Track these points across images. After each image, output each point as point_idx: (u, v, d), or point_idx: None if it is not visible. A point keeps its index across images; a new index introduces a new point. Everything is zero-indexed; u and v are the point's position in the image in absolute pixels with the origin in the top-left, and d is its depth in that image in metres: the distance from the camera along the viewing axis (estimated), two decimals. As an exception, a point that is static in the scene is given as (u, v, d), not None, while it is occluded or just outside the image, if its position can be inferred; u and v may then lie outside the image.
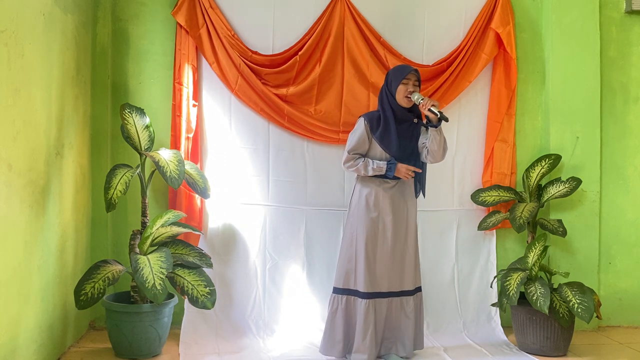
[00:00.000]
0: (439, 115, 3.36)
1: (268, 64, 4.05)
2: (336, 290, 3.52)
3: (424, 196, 3.62)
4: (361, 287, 3.44)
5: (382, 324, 3.49)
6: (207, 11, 4.00)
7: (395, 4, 4.20)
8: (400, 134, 3.46)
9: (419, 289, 3.60)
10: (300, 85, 4.06)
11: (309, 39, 4.05)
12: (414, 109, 3.53)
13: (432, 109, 3.36)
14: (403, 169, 3.44)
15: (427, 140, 3.47)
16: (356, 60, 4.09)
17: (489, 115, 4.28)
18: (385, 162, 3.43)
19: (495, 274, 4.13)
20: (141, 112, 3.82)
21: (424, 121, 3.49)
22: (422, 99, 3.40)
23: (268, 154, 4.12)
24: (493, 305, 4.07)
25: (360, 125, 3.50)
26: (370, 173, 3.45)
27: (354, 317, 3.46)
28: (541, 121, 4.39)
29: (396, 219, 3.49)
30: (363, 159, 3.47)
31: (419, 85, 3.51)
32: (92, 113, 4.00)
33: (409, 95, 3.44)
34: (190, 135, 4.01)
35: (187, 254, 3.71)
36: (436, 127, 3.41)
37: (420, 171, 3.53)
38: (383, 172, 3.44)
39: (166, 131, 4.08)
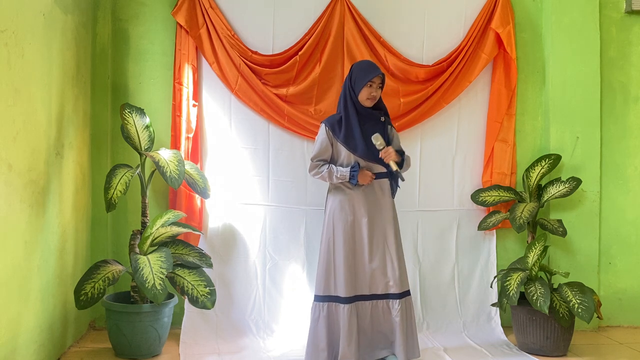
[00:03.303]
0: (395, 172, 3.39)
1: (268, 64, 4.05)
2: (317, 298, 3.45)
3: (393, 197, 3.57)
4: (342, 293, 3.38)
5: (369, 327, 3.45)
6: (207, 11, 4.00)
7: (395, 4, 4.20)
8: (365, 133, 3.41)
9: (407, 293, 3.51)
10: (300, 85, 4.06)
11: (309, 39, 4.05)
12: (380, 106, 3.50)
13: (390, 163, 3.37)
14: (368, 177, 3.41)
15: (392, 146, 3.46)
16: (356, 60, 4.08)
17: (489, 115, 4.28)
18: (348, 170, 3.39)
19: (495, 274, 4.13)
20: (141, 112, 3.82)
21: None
22: (382, 148, 3.37)
23: (268, 154, 4.13)
24: (493, 305, 4.07)
25: (322, 131, 3.44)
26: (335, 181, 3.41)
27: (336, 323, 3.40)
28: (541, 121, 4.39)
29: (373, 220, 3.45)
30: (327, 166, 3.42)
31: (382, 87, 3.47)
32: (92, 113, 4.00)
33: (370, 98, 3.40)
34: (190, 135, 4.02)
35: (187, 254, 3.71)
36: (393, 174, 3.44)
37: (375, 177, 3.47)
38: (347, 180, 3.40)
39: (166, 131, 4.08)
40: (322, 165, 3.44)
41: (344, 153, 3.43)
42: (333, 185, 3.49)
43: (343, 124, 3.42)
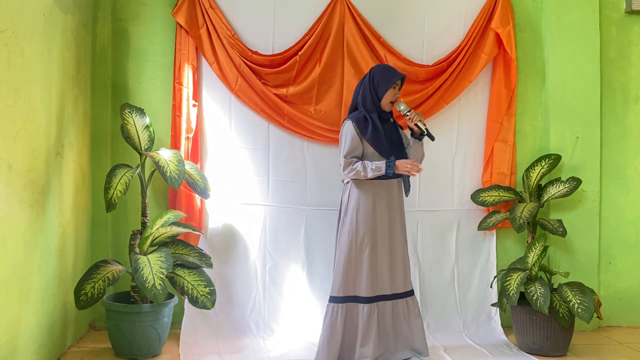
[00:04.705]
0: (425, 132, 3.45)
1: (268, 64, 4.05)
2: (334, 299, 3.40)
3: (407, 195, 3.58)
4: (362, 292, 3.38)
5: (390, 328, 3.44)
6: (207, 11, 4.00)
7: (395, 4, 4.20)
8: (386, 134, 3.44)
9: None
10: (300, 85, 4.07)
11: (309, 39, 4.05)
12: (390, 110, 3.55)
13: (418, 124, 3.44)
14: (403, 165, 3.35)
15: (408, 147, 3.53)
16: (356, 60, 4.09)
17: (489, 115, 4.28)
18: (384, 162, 3.35)
19: (495, 274, 4.13)
20: (141, 112, 3.82)
21: (408, 130, 3.55)
22: (408, 111, 3.46)
23: (268, 154, 4.13)
24: (493, 305, 4.07)
25: (350, 128, 3.40)
26: (370, 175, 3.34)
27: (354, 324, 3.38)
28: (541, 121, 4.39)
29: (392, 219, 3.47)
30: (360, 162, 3.38)
31: (400, 90, 3.52)
32: (92, 113, 4.00)
33: (393, 101, 3.44)
34: (190, 135, 4.02)
35: (187, 254, 3.71)
36: (420, 139, 3.50)
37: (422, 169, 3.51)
38: (382, 172, 3.34)
39: (166, 131, 4.08)
40: (356, 162, 3.40)
41: (369, 151, 3.42)
42: (355, 182, 3.44)
43: (369, 122, 3.41)
